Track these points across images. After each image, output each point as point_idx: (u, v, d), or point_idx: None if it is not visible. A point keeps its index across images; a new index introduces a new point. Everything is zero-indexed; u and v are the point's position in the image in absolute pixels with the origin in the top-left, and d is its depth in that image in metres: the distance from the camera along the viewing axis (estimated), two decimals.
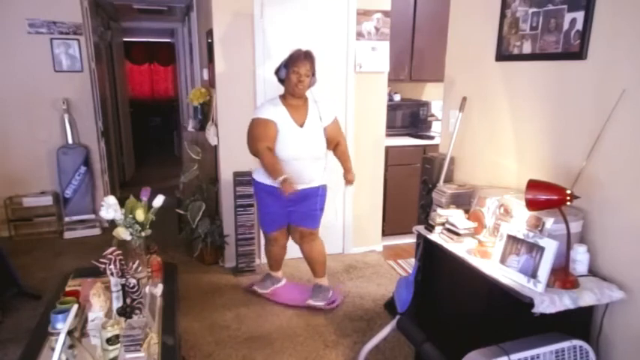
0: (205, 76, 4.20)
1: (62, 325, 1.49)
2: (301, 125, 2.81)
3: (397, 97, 4.51)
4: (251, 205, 3.45)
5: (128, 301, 1.81)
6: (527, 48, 2.12)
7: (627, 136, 1.68)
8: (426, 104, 4.54)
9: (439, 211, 2.24)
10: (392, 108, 4.28)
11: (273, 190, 2.86)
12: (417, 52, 4.24)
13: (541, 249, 1.67)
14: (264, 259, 3.52)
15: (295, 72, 2.72)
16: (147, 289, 1.98)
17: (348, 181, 3.01)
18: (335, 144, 2.97)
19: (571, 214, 1.75)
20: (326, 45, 3.56)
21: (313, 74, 2.80)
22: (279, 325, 2.88)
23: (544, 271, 1.63)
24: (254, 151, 2.80)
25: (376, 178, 3.98)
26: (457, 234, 2.07)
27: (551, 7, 1.98)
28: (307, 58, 2.74)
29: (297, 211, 2.97)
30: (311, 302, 3.07)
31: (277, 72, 2.83)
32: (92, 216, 4.46)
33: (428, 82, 4.65)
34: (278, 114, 2.77)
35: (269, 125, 2.74)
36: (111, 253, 1.88)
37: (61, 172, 4.35)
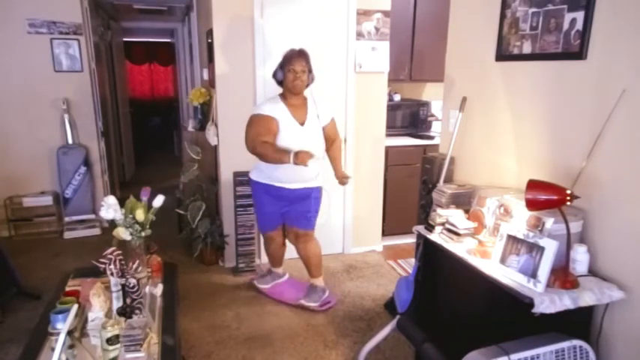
0: (205, 76, 4.20)
1: (62, 325, 1.49)
2: (302, 124, 2.82)
3: (397, 97, 4.51)
4: (251, 205, 3.44)
5: (128, 301, 1.81)
6: (527, 48, 2.12)
7: (627, 136, 1.68)
8: (426, 104, 4.54)
9: (439, 211, 2.23)
10: (392, 108, 4.28)
11: (270, 190, 2.88)
12: (417, 52, 4.23)
13: (541, 249, 1.66)
14: (264, 259, 3.52)
15: (291, 70, 2.74)
16: (147, 289, 1.98)
17: (342, 180, 3.02)
18: (331, 143, 3.00)
19: (571, 214, 1.75)
20: (326, 45, 3.56)
21: (310, 71, 2.82)
22: (279, 325, 2.88)
23: (544, 271, 1.63)
24: (252, 146, 2.77)
25: (376, 178, 3.98)
26: (457, 234, 2.07)
27: (551, 7, 1.98)
28: (301, 55, 2.77)
29: (292, 211, 2.98)
30: (303, 302, 3.07)
31: (274, 75, 2.86)
32: (92, 216, 4.46)
33: (428, 82, 4.65)
34: (279, 111, 2.78)
35: (270, 121, 2.74)
36: (111, 253, 1.88)
37: (61, 172, 4.35)
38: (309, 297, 3.09)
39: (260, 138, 2.72)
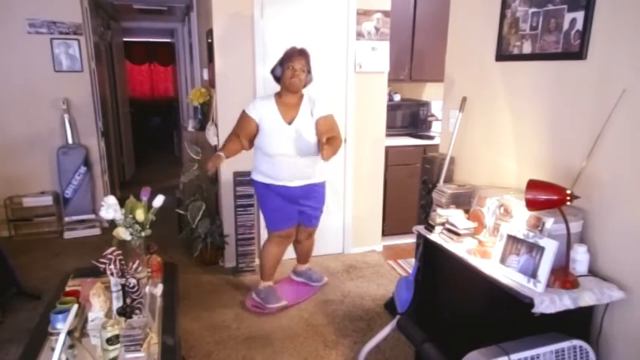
0: (205, 76, 4.20)
1: (62, 325, 1.49)
2: (289, 123, 2.80)
3: (397, 97, 4.50)
4: (251, 205, 3.45)
5: (128, 301, 1.81)
6: (527, 48, 2.12)
7: (627, 136, 1.68)
8: (426, 104, 4.54)
9: (439, 211, 2.24)
10: (392, 108, 4.28)
11: (273, 188, 2.89)
12: (417, 52, 4.23)
13: (541, 249, 1.67)
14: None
15: (290, 67, 2.74)
16: (147, 289, 1.98)
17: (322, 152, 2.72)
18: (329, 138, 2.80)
19: (571, 214, 1.75)
20: (326, 45, 3.56)
21: (309, 71, 2.82)
22: (279, 325, 2.88)
23: (544, 271, 1.63)
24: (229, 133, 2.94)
25: (376, 178, 3.98)
26: (457, 234, 2.07)
27: (551, 7, 1.98)
28: (302, 55, 2.78)
29: (307, 212, 3.02)
30: (325, 280, 3.35)
31: (273, 71, 2.86)
32: (92, 216, 4.46)
33: (428, 82, 4.65)
34: (266, 111, 2.80)
35: (249, 122, 2.81)
36: (111, 253, 1.88)
37: (61, 172, 4.35)
38: (317, 277, 3.33)
39: (236, 131, 2.87)
